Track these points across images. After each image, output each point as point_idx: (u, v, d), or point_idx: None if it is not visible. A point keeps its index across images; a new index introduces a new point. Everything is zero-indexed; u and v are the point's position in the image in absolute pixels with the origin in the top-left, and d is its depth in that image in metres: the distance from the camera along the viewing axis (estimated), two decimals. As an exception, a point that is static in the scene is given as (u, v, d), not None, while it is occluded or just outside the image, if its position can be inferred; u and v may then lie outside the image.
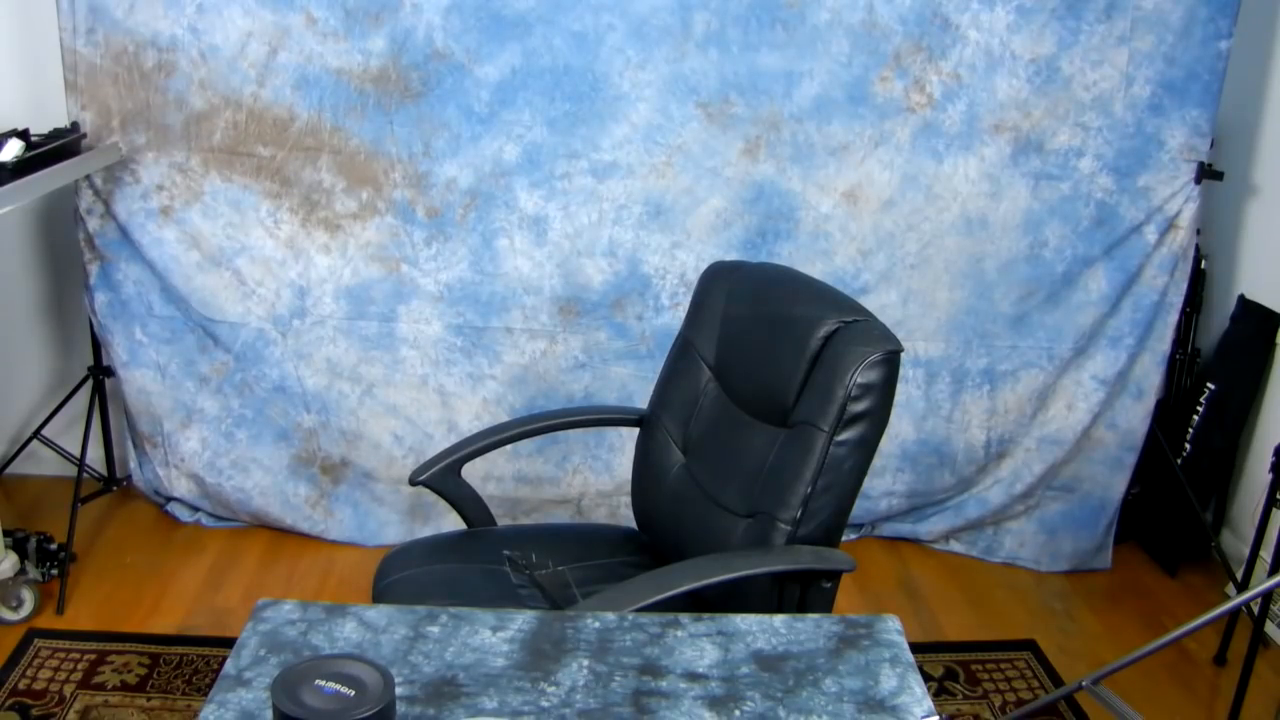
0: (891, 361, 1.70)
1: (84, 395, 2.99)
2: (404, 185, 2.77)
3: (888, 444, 2.90)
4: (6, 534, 2.59)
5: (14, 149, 2.43)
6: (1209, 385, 3.02)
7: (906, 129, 2.78)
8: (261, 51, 2.66)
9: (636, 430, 2.16)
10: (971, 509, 3.10)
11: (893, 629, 1.33)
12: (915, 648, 1.30)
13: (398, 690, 1.05)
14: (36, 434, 3.03)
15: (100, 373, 2.98)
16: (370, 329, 2.89)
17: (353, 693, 0.97)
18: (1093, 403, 2.98)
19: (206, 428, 2.96)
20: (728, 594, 1.67)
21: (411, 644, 1.25)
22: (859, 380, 1.67)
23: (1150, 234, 2.86)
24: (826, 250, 2.87)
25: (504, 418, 2.90)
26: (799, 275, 2.05)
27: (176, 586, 2.76)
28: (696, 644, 1.28)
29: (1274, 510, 2.46)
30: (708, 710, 1.17)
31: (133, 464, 3.11)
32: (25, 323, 3.15)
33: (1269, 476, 2.44)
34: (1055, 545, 3.08)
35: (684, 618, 1.34)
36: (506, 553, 2.00)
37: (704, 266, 2.15)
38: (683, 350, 2.08)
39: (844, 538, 1.78)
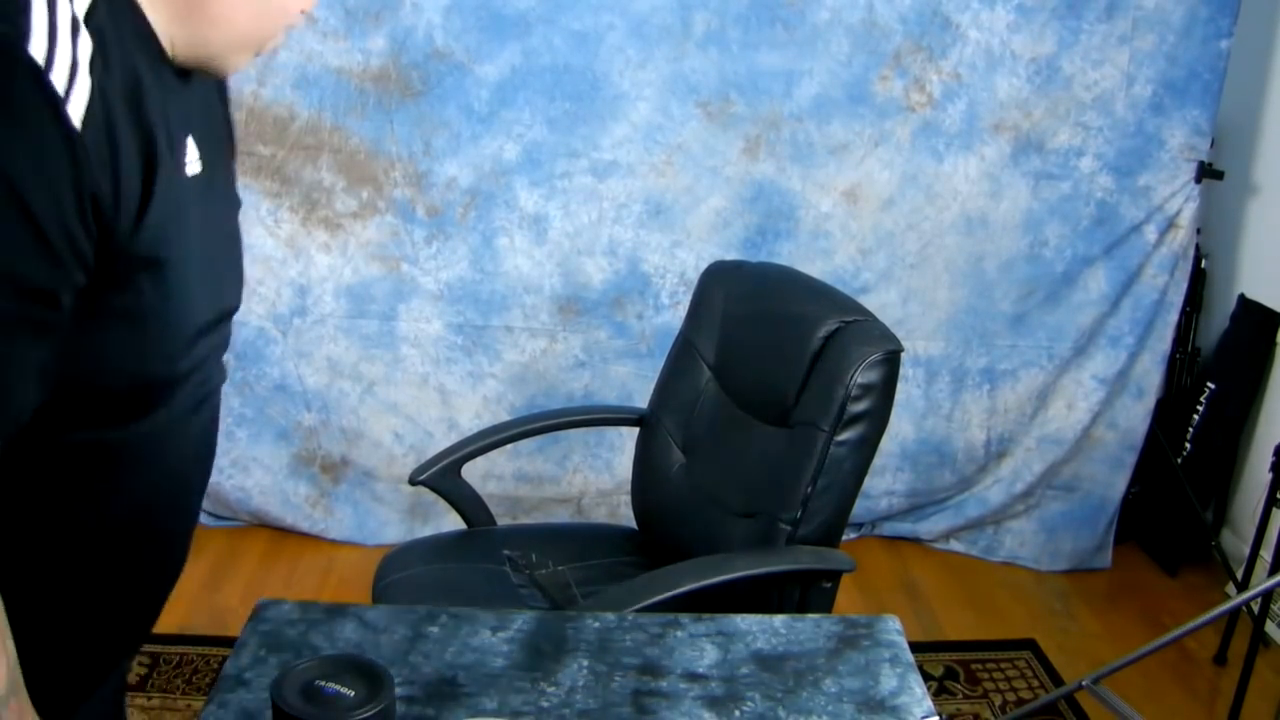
0: (892, 361, 1.70)
1: (84, 394, 2.98)
2: (404, 184, 2.77)
3: (888, 443, 2.90)
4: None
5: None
6: (1209, 385, 3.02)
7: (906, 128, 2.78)
8: (261, 50, 2.66)
9: (636, 429, 2.16)
10: (972, 508, 3.10)
11: (893, 629, 1.33)
12: (915, 647, 1.30)
13: (398, 690, 1.05)
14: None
15: (100, 372, 2.98)
16: (370, 328, 2.89)
17: (353, 693, 0.97)
18: (1093, 402, 2.98)
19: (206, 427, 2.96)
20: (728, 594, 1.67)
21: (411, 644, 1.25)
22: (859, 380, 1.67)
23: (1150, 233, 2.86)
24: (826, 249, 2.87)
25: (504, 416, 2.90)
26: (799, 275, 2.05)
27: (176, 586, 2.75)
28: (696, 644, 1.28)
29: (1274, 510, 2.46)
30: (708, 710, 1.17)
31: (133, 463, 3.11)
32: (25, 322, 3.15)
33: (1269, 476, 2.44)
34: (1055, 545, 3.08)
35: (684, 618, 1.34)
36: (506, 553, 1.99)
37: (704, 265, 2.15)
38: (683, 349, 2.08)
39: (844, 537, 1.79)
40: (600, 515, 3.06)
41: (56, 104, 0.74)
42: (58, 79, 0.74)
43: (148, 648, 2.47)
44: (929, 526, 3.14)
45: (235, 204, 1.10)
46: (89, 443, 0.89)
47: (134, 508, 0.96)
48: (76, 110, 0.75)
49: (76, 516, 0.91)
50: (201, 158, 0.94)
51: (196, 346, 0.95)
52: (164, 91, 0.88)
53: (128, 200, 0.81)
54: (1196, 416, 3.05)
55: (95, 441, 0.89)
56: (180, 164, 0.91)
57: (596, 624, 1.32)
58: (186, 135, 0.92)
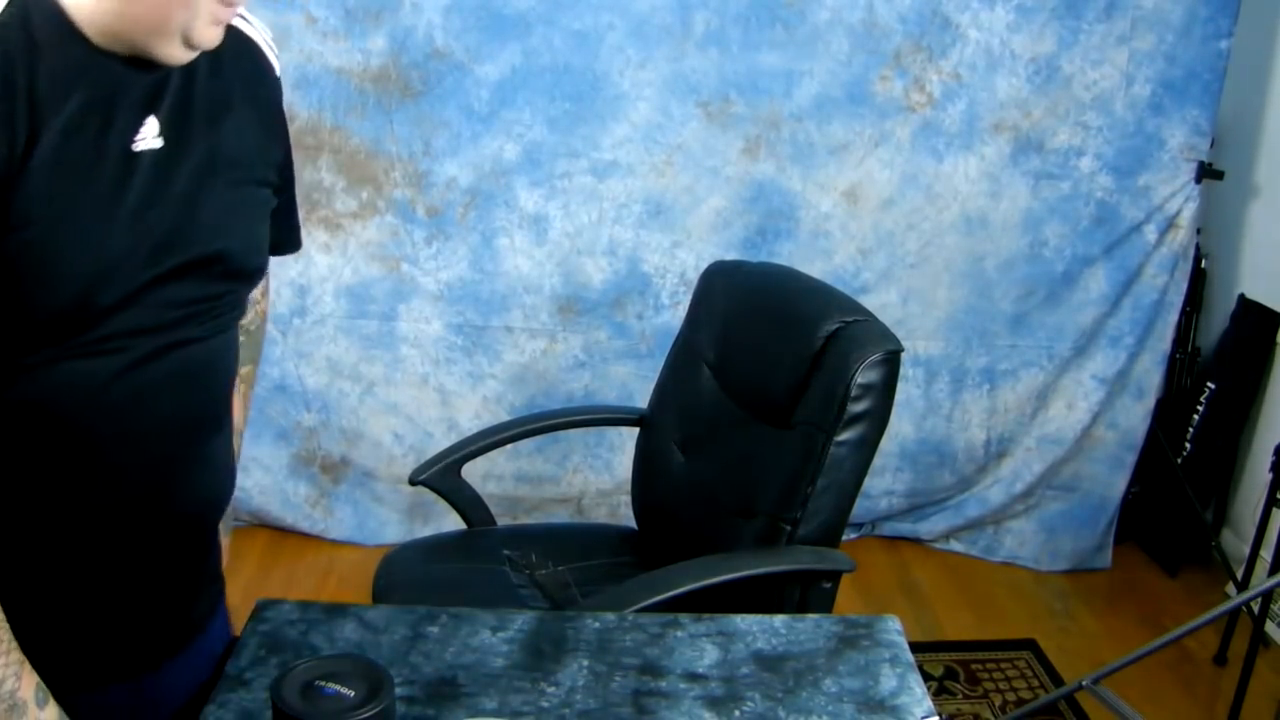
0: (892, 361, 1.70)
1: (84, 394, 2.98)
2: (404, 184, 2.77)
3: (888, 443, 2.89)
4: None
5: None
6: (1209, 385, 3.02)
7: (906, 128, 2.78)
8: (261, 50, 2.66)
9: (636, 429, 2.16)
10: (971, 508, 3.10)
11: (892, 629, 1.33)
12: (915, 648, 1.30)
13: (398, 690, 1.05)
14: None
15: (100, 372, 2.98)
16: (370, 328, 2.89)
17: (353, 693, 0.97)
18: (1093, 402, 2.98)
19: (206, 427, 2.96)
20: (728, 594, 1.67)
21: (411, 644, 1.25)
22: (859, 380, 1.67)
23: (1150, 233, 2.86)
24: (826, 249, 2.87)
25: (504, 416, 2.90)
26: (799, 275, 2.05)
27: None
28: (696, 644, 1.28)
29: (1274, 510, 2.46)
30: (708, 710, 1.17)
31: (132, 463, 3.11)
32: (25, 322, 3.15)
33: (1269, 476, 2.44)
34: (1055, 545, 3.08)
35: (684, 618, 1.34)
36: (506, 553, 1.99)
37: (704, 265, 2.15)
38: (683, 349, 2.08)
39: (844, 537, 1.79)
40: (600, 515, 3.06)
41: None
42: None
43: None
44: (929, 526, 3.14)
45: (233, 173, 1.17)
46: None
47: (40, 425, 1.05)
48: None
49: None
50: (164, 134, 1.06)
51: (106, 298, 1.03)
52: (96, 77, 1.01)
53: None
54: (1196, 416, 3.05)
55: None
56: (120, 141, 1.03)
57: (596, 624, 1.32)
58: (145, 115, 1.05)
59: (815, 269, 2.71)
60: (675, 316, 2.77)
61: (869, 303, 1.95)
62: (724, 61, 2.71)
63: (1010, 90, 2.75)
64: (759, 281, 2.02)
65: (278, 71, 1.23)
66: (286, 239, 1.35)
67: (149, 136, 1.05)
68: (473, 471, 2.10)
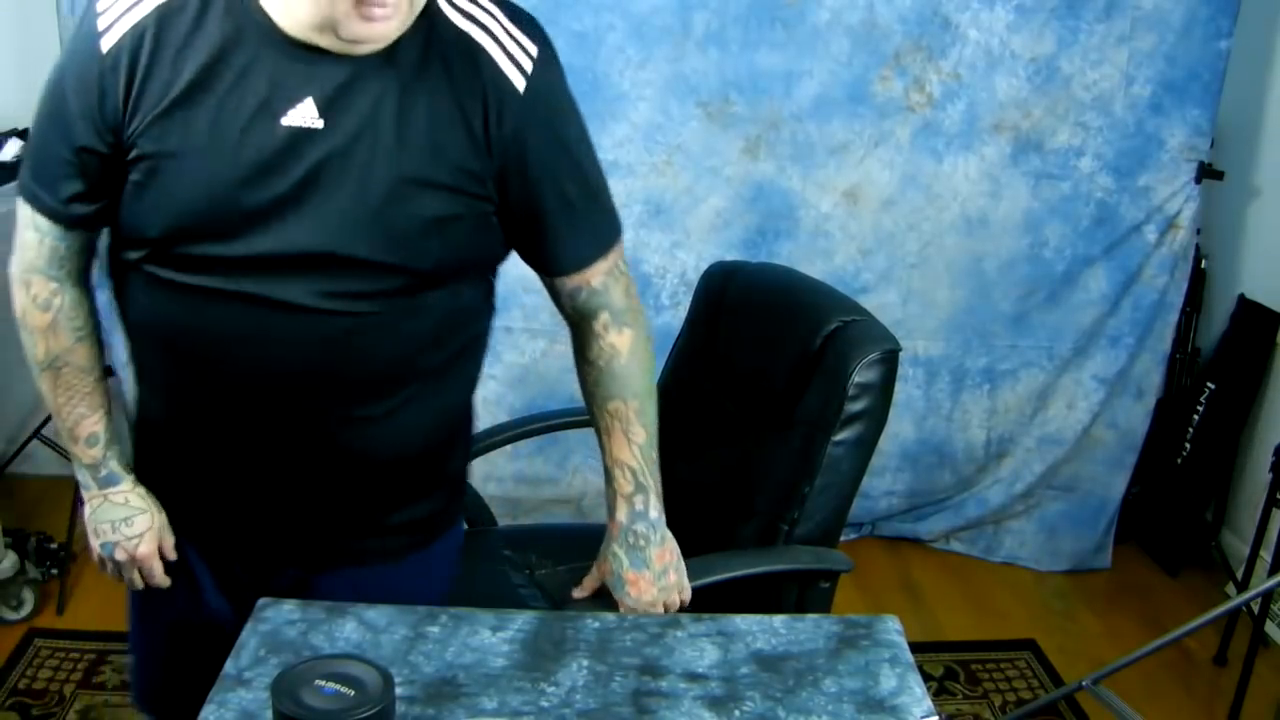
0: (890, 361, 1.70)
1: (84, 395, 2.98)
2: (404, 185, 2.77)
3: (888, 443, 2.90)
4: (6, 533, 2.59)
5: (13, 148, 2.43)
6: (1209, 385, 3.02)
7: (906, 128, 2.78)
8: (261, 51, 2.66)
9: (636, 430, 2.16)
10: (971, 508, 3.10)
11: (892, 629, 1.33)
12: (915, 648, 1.30)
13: (398, 690, 1.05)
14: (36, 434, 3.02)
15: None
16: (370, 328, 2.89)
17: (353, 693, 0.97)
18: (1093, 402, 2.98)
19: (206, 427, 2.96)
20: (725, 594, 1.67)
21: (411, 644, 1.25)
22: (857, 380, 1.67)
23: (1150, 233, 2.86)
24: (826, 250, 2.87)
25: (504, 418, 2.88)
26: (798, 275, 2.05)
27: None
28: (696, 644, 1.28)
29: (1274, 510, 2.46)
30: (708, 710, 1.17)
31: (133, 463, 3.10)
32: (25, 322, 3.14)
33: (1269, 476, 2.45)
34: (1055, 545, 3.08)
35: (684, 618, 1.34)
36: (506, 553, 1.99)
37: (704, 266, 2.15)
38: (682, 350, 2.08)
39: (844, 537, 1.79)
40: (600, 516, 3.01)
41: (94, 38, 1.15)
42: (102, 24, 1.15)
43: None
44: (929, 526, 3.14)
45: (394, 169, 1.17)
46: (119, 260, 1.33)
47: (142, 324, 1.35)
48: (107, 44, 1.14)
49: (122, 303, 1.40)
50: (324, 117, 1.13)
51: (197, 241, 1.18)
52: (268, 61, 1.13)
53: (140, 108, 1.15)
54: (1196, 416, 3.05)
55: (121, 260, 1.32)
56: (269, 110, 1.13)
57: (596, 624, 1.32)
58: (303, 95, 1.13)
59: (815, 269, 2.71)
60: (675, 317, 2.76)
61: (869, 303, 1.95)
62: (724, 61, 2.71)
63: (1010, 90, 2.75)
64: (758, 282, 2.02)
65: (517, 83, 1.20)
66: (552, 257, 1.45)
67: (306, 116, 1.12)
68: (473, 472, 2.10)
